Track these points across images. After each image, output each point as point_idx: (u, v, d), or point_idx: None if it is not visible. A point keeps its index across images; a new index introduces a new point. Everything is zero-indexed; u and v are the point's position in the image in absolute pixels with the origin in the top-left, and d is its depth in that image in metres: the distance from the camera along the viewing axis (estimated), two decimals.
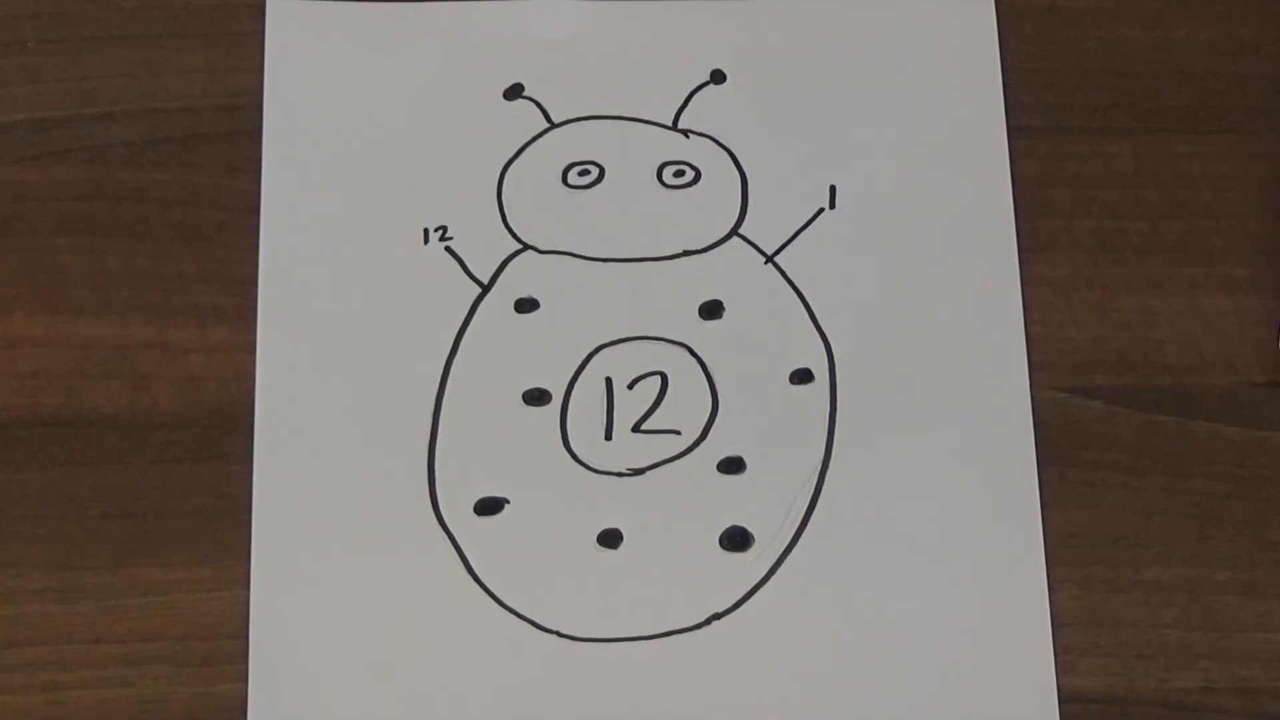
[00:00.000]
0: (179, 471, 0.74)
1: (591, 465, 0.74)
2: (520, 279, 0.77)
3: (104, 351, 0.76)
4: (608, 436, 0.74)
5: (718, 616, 0.71)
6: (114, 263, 0.77)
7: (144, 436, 0.75)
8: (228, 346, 0.76)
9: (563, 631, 0.72)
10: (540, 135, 0.79)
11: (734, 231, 0.78)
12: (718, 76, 0.80)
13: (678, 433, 0.74)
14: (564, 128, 0.79)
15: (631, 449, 0.74)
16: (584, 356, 0.75)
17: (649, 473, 0.74)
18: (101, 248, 0.78)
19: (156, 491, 0.74)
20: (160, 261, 0.77)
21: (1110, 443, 0.74)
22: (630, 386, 0.75)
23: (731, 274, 0.77)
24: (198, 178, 0.78)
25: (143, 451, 0.74)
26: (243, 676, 0.71)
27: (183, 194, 0.78)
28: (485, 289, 0.77)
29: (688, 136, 0.79)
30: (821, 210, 0.77)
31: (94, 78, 0.80)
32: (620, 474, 0.74)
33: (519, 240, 0.77)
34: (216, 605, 0.72)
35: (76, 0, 0.81)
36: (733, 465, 0.74)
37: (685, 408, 0.74)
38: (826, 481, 0.73)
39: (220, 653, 0.72)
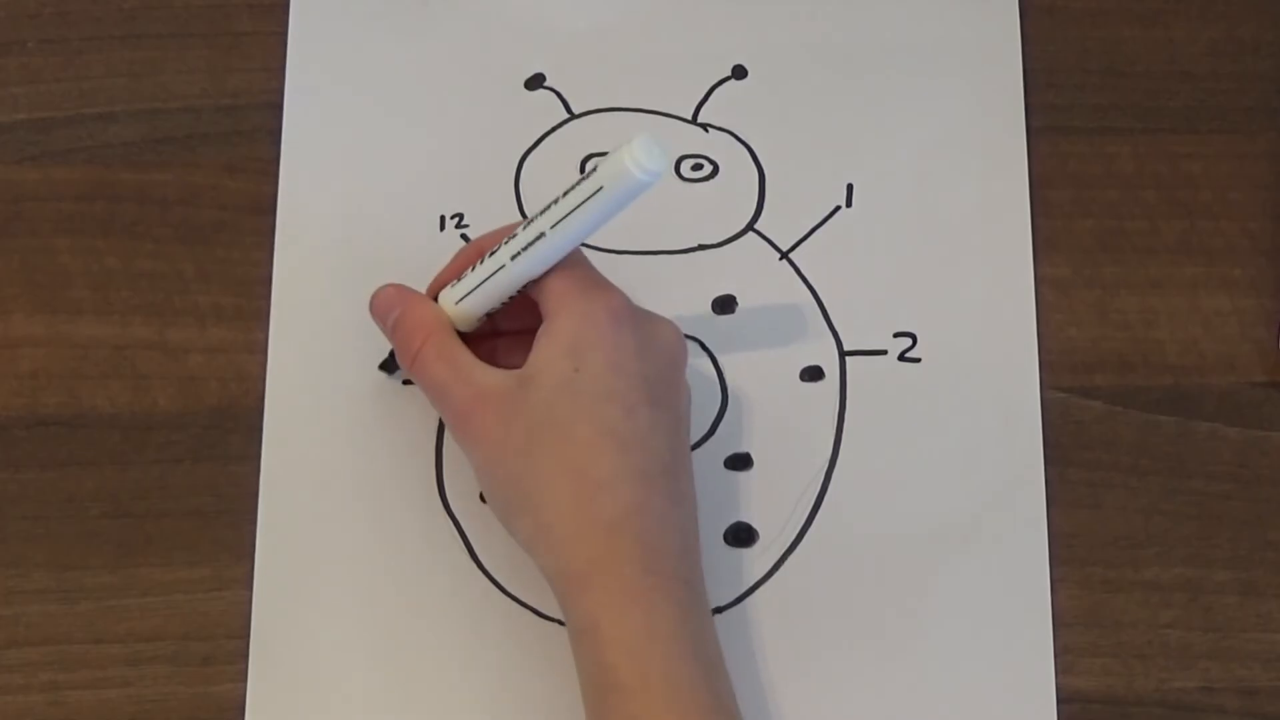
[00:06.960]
0: (179, 471, 0.74)
1: None
2: None
3: (104, 351, 0.76)
4: None
5: (719, 610, 0.71)
6: (114, 263, 0.77)
7: (144, 436, 0.75)
8: (228, 346, 0.76)
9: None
10: (560, 125, 0.79)
11: (750, 227, 0.78)
12: (739, 72, 0.80)
13: None
14: (584, 119, 0.79)
15: None
16: None
17: None
18: (101, 248, 0.78)
19: (156, 491, 0.74)
20: (160, 261, 0.77)
21: (1110, 443, 0.74)
22: None
23: (745, 269, 0.77)
24: (198, 178, 0.78)
25: (143, 451, 0.74)
26: (242, 676, 0.71)
27: (183, 194, 0.78)
28: None
29: (707, 130, 0.79)
30: (838, 208, 0.77)
31: (94, 78, 0.80)
32: None
33: None
34: (216, 605, 0.72)
35: (76, 0, 0.81)
36: (740, 461, 0.74)
37: (694, 402, 0.74)
38: (833, 481, 0.73)
39: (220, 653, 0.72)
